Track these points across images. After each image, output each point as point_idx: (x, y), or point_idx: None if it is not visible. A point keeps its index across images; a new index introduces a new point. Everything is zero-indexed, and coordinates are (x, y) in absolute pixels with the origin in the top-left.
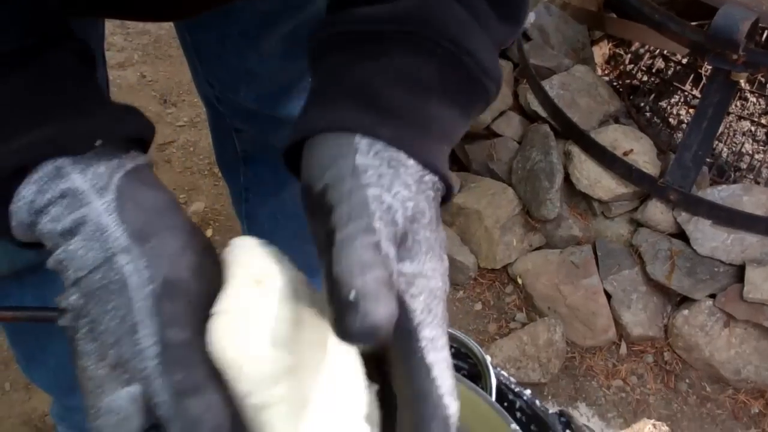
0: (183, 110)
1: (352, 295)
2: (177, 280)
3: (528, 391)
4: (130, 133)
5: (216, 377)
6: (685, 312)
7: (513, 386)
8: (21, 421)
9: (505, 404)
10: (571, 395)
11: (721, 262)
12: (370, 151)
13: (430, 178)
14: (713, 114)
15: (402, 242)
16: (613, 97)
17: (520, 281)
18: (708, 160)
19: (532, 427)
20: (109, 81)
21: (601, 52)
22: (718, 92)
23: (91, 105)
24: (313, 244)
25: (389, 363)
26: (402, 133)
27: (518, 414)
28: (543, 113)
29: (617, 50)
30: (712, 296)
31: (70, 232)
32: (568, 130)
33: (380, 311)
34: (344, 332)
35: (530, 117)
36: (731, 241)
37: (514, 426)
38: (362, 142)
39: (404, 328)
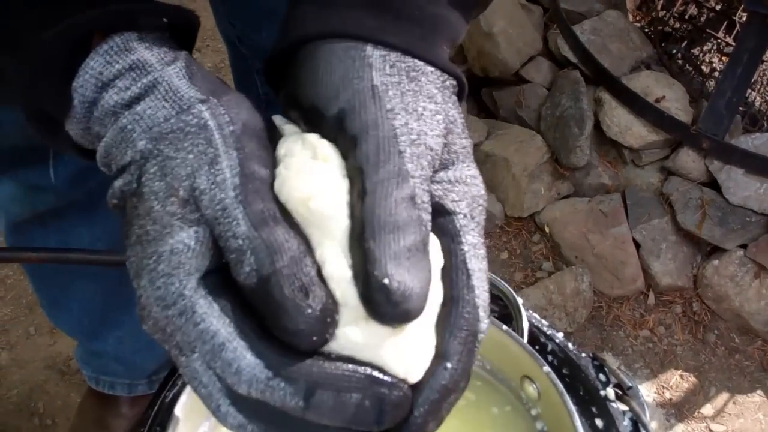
0: (207, 56)
1: (385, 280)
2: (255, 126)
3: (560, 334)
4: (187, 21)
5: (289, 216)
6: (715, 262)
7: (545, 329)
8: (45, 365)
9: (537, 347)
10: (598, 345)
11: (753, 211)
12: (386, 64)
13: (450, 82)
14: (748, 60)
15: (438, 160)
16: (645, 43)
17: (547, 230)
18: (741, 108)
19: (564, 371)
20: None
21: None
22: (754, 38)
23: None
24: None
25: None
26: (413, 37)
27: (550, 357)
28: (573, 59)
29: None
30: (743, 246)
31: (138, 99)
32: (598, 76)
33: (413, 287)
34: (376, 315)
35: (560, 63)
36: (764, 190)
37: (546, 368)
38: (375, 54)
39: (446, 229)
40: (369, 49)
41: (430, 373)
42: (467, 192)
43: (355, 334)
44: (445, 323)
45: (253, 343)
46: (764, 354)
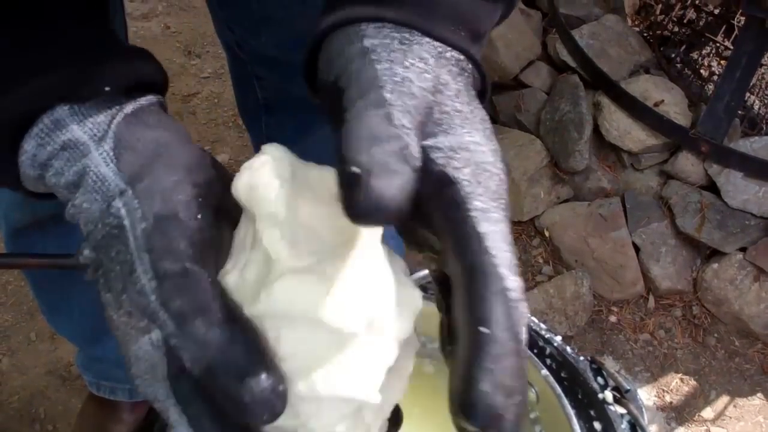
0: (207, 62)
1: (354, 169)
2: (168, 215)
3: (558, 338)
4: (134, 78)
5: (221, 297)
6: (715, 265)
7: (543, 333)
8: (46, 371)
9: (535, 351)
10: (598, 349)
11: (752, 215)
12: (379, 32)
13: (451, 54)
14: (746, 64)
15: (428, 116)
16: (644, 48)
17: (547, 234)
18: (740, 111)
19: (563, 374)
20: (129, 30)
21: (631, 2)
22: (752, 42)
23: (97, 51)
24: None
25: (440, 245)
26: (409, 13)
27: (548, 361)
28: (572, 63)
29: (648, 0)
30: (743, 249)
31: (74, 185)
32: (597, 81)
33: (386, 183)
34: (349, 210)
35: (559, 67)
36: (763, 193)
37: (545, 372)
38: (369, 27)
39: (451, 199)
40: (364, 24)
41: (474, 346)
42: (470, 159)
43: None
44: (464, 293)
45: None
46: (764, 357)
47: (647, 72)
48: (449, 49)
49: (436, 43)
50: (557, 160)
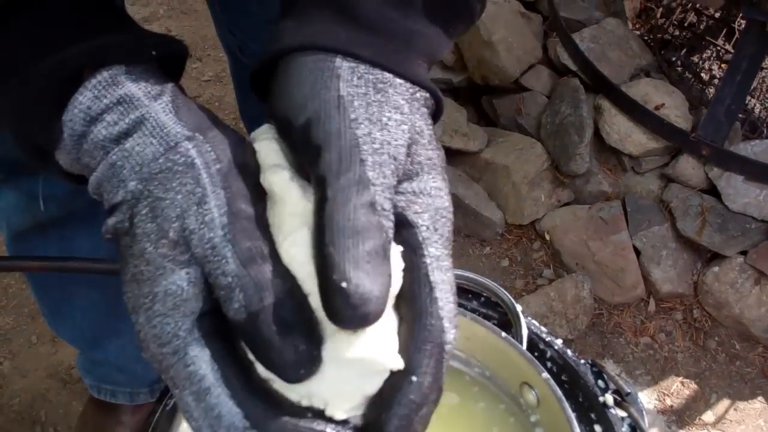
0: (208, 65)
1: (343, 284)
2: (241, 162)
3: (559, 341)
4: (176, 51)
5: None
6: (716, 269)
7: (544, 336)
8: (48, 374)
9: (536, 354)
10: (599, 352)
11: (753, 218)
12: (354, 75)
13: (421, 94)
14: (747, 67)
15: (402, 172)
16: (645, 51)
17: (547, 237)
18: (740, 114)
19: (563, 377)
20: None
21: (632, 5)
22: (753, 45)
23: (136, 25)
24: None
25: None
26: (384, 50)
27: (549, 364)
28: (573, 67)
29: (648, 4)
30: (743, 253)
31: (126, 134)
32: (598, 84)
33: (370, 290)
34: (334, 318)
35: (560, 71)
36: (764, 196)
37: (545, 375)
38: (344, 66)
39: (408, 242)
40: (338, 60)
41: (397, 389)
42: (431, 204)
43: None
44: (408, 337)
45: (236, 392)
46: (765, 360)
47: (648, 75)
48: (418, 89)
49: (408, 85)
50: (558, 163)
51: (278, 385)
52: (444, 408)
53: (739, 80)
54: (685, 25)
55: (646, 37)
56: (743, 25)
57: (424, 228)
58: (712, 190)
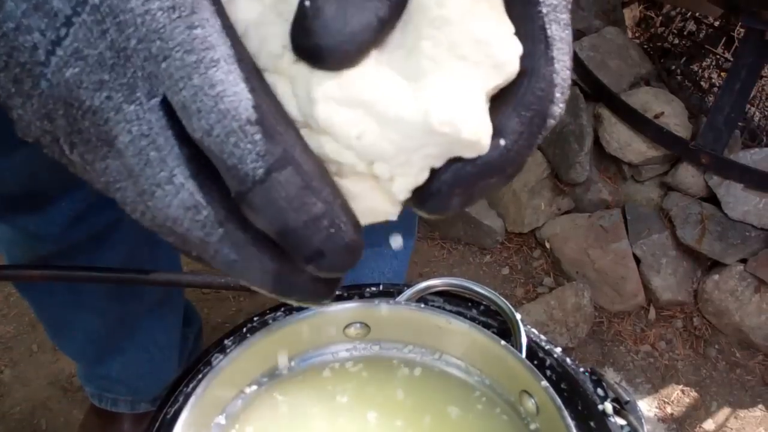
0: None
1: (306, 2)
2: None
3: (558, 349)
4: None
5: None
6: (716, 277)
7: (543, 344)
8: (48, 382)
9: (535, 362)
10: (599, 360)
11: (753, 226)
12: None
13: None
14: (746, 75)
15: None
16: (644, 60)
17: (547, 245)
18: (740, 123)
19: (563, 385)
20: None
21: (631, 14)
22: (752, 53)
23: None
24: None
25: None
26: None
27: (548, 372)
28: (573, 75)
29: (648, 13)
30: (743, 261)
31: None
32: (598, 93)
33: (340, 26)
34: (295, 46)
35: None
36: (763, 205)
37: (545, 383)
38: None
39: None
40: None
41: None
42: None
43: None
44: (509, 97)
45: (251, 77)
46: (765, 368)
47: (647, 84)
48: None
49: None
50: (558, 171)
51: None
52: (442, 416)
53: (738, 89)
54: (685, 33)
55: (645, 46)
56: (742, 34)
57: None
58: (711, 199)
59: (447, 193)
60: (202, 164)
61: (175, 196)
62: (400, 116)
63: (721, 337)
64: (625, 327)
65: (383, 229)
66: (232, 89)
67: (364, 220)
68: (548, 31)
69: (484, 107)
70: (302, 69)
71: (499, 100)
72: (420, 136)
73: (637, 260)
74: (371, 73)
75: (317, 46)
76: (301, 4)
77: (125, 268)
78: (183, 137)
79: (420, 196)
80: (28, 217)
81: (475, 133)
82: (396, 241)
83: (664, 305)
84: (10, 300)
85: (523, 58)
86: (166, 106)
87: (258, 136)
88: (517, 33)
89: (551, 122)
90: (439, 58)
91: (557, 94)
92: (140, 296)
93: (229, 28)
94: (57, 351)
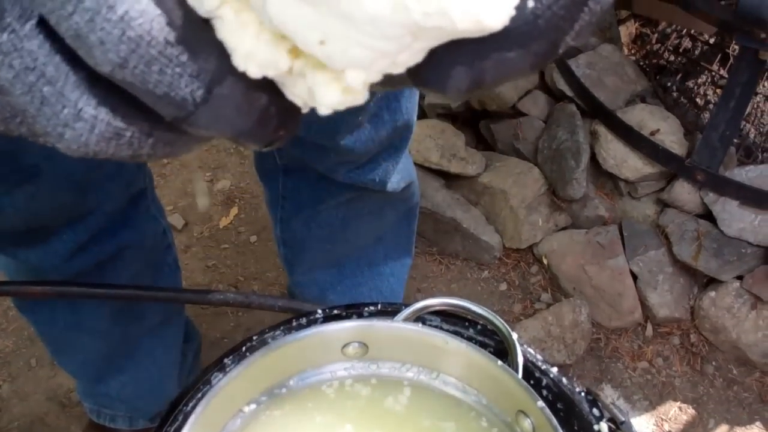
0: None
1: None
2: None
3: (555, 369)
4: None
5: None
6: (712, 293)
7: (540, 364)
8: (46, 397)
9: (532, 382)
10: (597, 377)
11: (749, 243)
12: None
13: None
14: (741, 93)
15: None
16: (640, 77)
17: (545, 261)
18: (735, 140)
19: (559, 405)
20: None
21: (627, 31)
22: (746, 71)
23: None
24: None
25: None
26: None
27: (545, 392)
28: (569, 92)
29: (644, 30)
30: (740, 278)
31: None
32: (594, 110)
33: None
34: None
35: (556, 96)
36: (759, 221)
37: (541, 403)
38: None
39: None
40: None
41: None
42: None
43: None
44: None
45: None
46: (762, 385)
47: (643, 101)
48: None
49: None
50: (555, 188)
51: None
52: None
53: (732, 106)
54: (680, 50)
55: (641, 63)
56: (737, 51)
57: None
58: (707, 215)
59: (449, 63)
60: (106, 79)
61: (91, 132)
62: (370, 14)
63: (718, 354)
64: (623, 343)
65: (382, 247)
66: (136, 8)
67: (325, 108)
68: None
69: None
70: None
71: None
72: (402, 34)
73: (634, 276)
74: None
75: None
76: None
77: (126, 284)
78: (74, 58)
79: (414, 68)
80: (30, 251)
81: (477, 16)
82: None
83: (661, 322)
84: (9, 314)
85: None
86: (45, 26)
87: (184, 57)
88: None
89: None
90: None
91: None
92: (142, 317)
93: None
94: (55, 366)
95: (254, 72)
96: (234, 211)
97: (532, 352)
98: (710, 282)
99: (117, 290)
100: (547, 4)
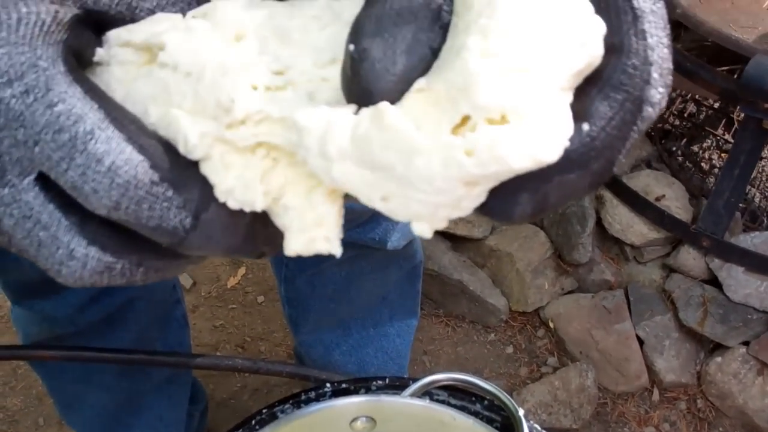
0: None
1: (350, 46)
2: None
3: None
4: None
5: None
6: (718, 359)
7: None
8: None
9: None
10: None
11: (755, 309)
12: None
13: None
14: (745, 161)
15: None
16: (645, 142)
17: (551, 325)
18: (740, 205)
19: None
20: None
21: None
22: (750, 140)
23: None
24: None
25: None
26: None
27: None
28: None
29: None
30: (746, 343)
31: None
32: None
33: (382, 65)
34: (348, 92)
35: None
36: (765, 288)
37: None
38: None
39: None
40: None
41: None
42: None
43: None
44: (594, 79)
45: (132, 135)
46: None
47: (649, 165)
48: None
49: None
50: (561, 252)
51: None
52: None
53: (737, 174)
54: (685, 114)
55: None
56: (741, 117)
57: None
58: (713, 281)
59: (512, 192)
60: (96, 220)
61: (84, 268)
62: (424, 175)
63: (725, 420)
64: (629, 408)
65: (386, 308)
66: (121, 157)
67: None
68: (634, 2)
69: (556, 102)
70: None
71: (582, 86)
72: (458, 186)
73: (641, 341)
74: (390, 116)
75: (366, 90)
76: (345, 49)
77: (135, 349)
78: (67, 204)
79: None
80: (44, 301)
81: (534, 156)
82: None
83: (668, 387)
84: (18, 372)
85: (607, 37)
86: (42, 179)
87: (170, 192)
88: (597, 10)
89: (649, 110)
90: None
91: (654, 75)
92: (149, 374)
93: (92, 90)
94: (63, 425)
95: (233, 205)
96: (242, 271)
97: (538, 427)
98: (716, 347)
99: (126, 355)
100: (602, 126)
